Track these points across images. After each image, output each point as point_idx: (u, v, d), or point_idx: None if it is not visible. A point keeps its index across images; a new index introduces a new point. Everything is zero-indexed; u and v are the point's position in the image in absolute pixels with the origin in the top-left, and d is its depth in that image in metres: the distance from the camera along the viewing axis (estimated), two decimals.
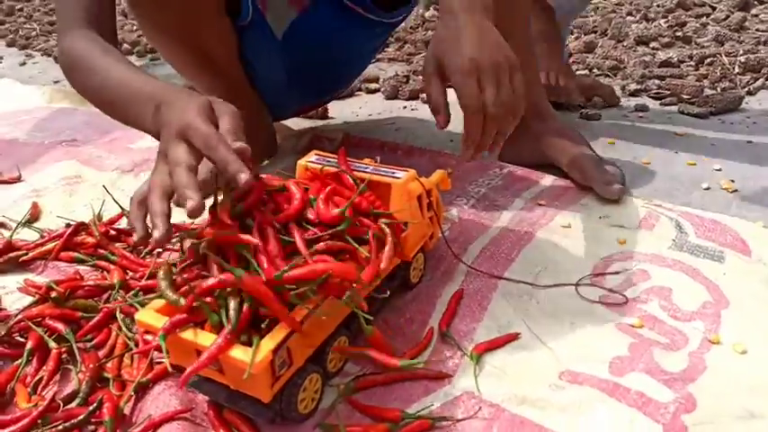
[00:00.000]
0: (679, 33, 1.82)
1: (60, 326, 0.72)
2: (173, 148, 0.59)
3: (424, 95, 0.71)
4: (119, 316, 0.74)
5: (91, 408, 0.60)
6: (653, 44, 1.77)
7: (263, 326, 0.56)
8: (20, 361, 0.69)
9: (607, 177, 0.95)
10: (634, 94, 1.46)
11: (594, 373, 0.64)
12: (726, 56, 1.58)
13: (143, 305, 0.62)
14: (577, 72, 1.62)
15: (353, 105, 1.54)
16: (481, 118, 0.69)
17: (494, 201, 0.98)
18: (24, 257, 0.90)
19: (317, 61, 1.14)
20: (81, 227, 0.94)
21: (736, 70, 1.51)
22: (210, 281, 0.55)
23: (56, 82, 1.91)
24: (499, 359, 0.67)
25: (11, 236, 0.96)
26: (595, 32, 1.93)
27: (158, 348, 0.57)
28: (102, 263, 0.87)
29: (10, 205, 1.10)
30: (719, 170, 1.06)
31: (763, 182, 1.01)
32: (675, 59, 1.61)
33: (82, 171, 1.21)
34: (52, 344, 0.70)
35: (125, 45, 2.28)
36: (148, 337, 0.69)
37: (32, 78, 1.99)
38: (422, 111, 1.45)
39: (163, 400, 0.64)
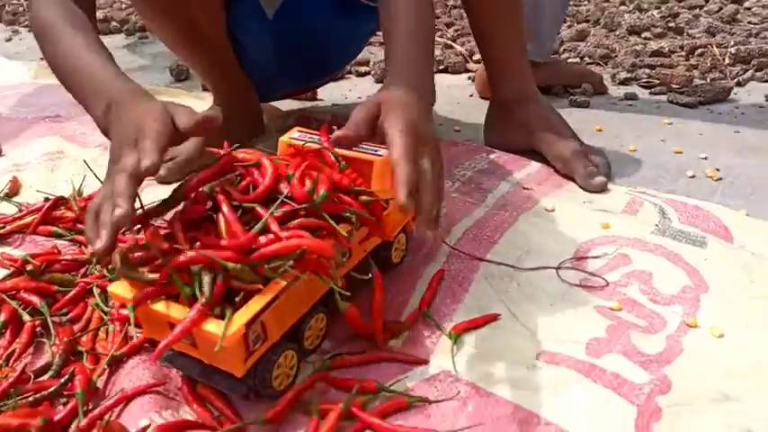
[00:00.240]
0: (671, 24, 1.82)
1: (35, 299, 0.72)
2: (124, 155, 0.57)
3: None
4: (95, 290, 0.73)
5: (62, 380, 0.59)
6: (645, 34, 1.76)
7: (236, 299, 0.55)
8: None
9: (589, 170, 0.95)
10: (624, 82, 1.46)
11: (571, 354, 0.64)
12: (717, 47, 1.58)
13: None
14: (568, 60, 1.62)
15: (343, 88, 1.53)
16: (414, 168, 0.59)
17: (479, 184, 0.98)
18: (1, 231, 0.88)
19: (308, 43, 1.12)
20: (60, 201, 0.93)
21: (727, 61, 1.51)
22: (183, 256, 0.54)
23: (42, 58, 1.88)
24: (477, 339, 0.67)
25: None
26: (588, 21, 1.92)
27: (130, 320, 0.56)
28: (81, 237, 0.86)
29: None
30: (705, 159, 1.06)
31: (747, 171, 1.02)
32: (666, 49, 1.61)
33: (64, 147, 1.20)
34: (26, 316, 0.70)
35: (113, 23, 2.25)
36: (124, 311, 0.68)
37: (19, 54, 1.97)
38: None
39: (136, 374, 0.63)
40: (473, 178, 1.00)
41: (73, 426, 0.57)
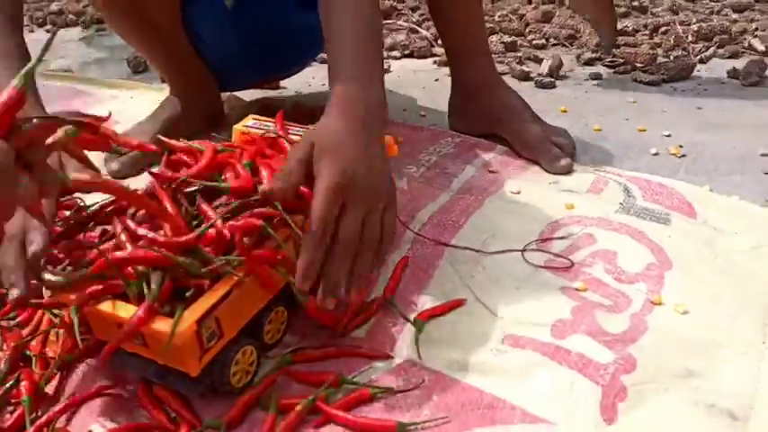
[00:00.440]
0: (635, 3, 1.82)
1: None
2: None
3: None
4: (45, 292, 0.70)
5: (6, 386, 0.57)
6: None
7: (187, 294, 0.53)
8: None
9: (554, 153, 0.95)
10: (589, 62, 1.45)
11: (536, 336, 0.63)
12: (679, 25, 1.58)
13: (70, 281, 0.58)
14: (533, 42, 1.61)
15: (306, 75, 1.49)
16: (322, 240, 0.57)
17: (444, 168, 0.96)
18: None
19: (271, 34, 1.09)
20: None
21: (690, 39, 1.52)
22: (121, 253, 0.52)
23: None
24: (442, 326, 0.66)
25: None
26: (553, 2, 1.91)
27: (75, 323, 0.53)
28: None
29: None
30: (669, 136, 1.06)
31: (710, 147, 1.02)
32: (631, 28, 1.61)
33: None
34: None
35: (70, 15, 2.18)
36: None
37: None
38: None
39: (89, 377, 0.61)
40: (438, 163, 0.98)
41: None
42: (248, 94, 1.33)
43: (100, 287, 0.52)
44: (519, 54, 1.52)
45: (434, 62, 1.53)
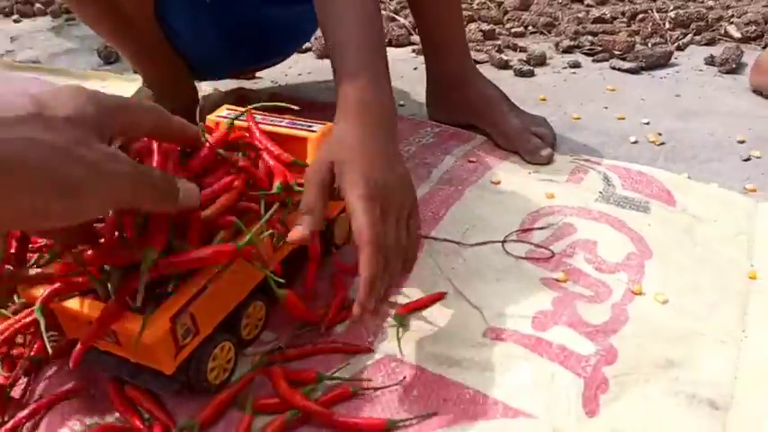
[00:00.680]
0: None
1: None
2: None
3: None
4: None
5: None
6: (587, 1, 1.75)
7: (157, 290, 0.51)
8: None
9: (534, 143, 0.94)
10: (567, 50, 1.45)
11: (517, 328, 0.62)
12: (657, 12, 1.59)
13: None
14: (513, 29, 1.60)
15: (283, 65, 1.46)
16: (380, 254, 0.53)
17: (424, 159, 0.95)
18: None
19: (249, 27, 1.06)
20: None
21: (667, 26, 1.52)
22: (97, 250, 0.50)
23: None
24: (423, 320, 0.65)
25: None
26: None
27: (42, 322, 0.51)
28: None
29: None
30: (647, 124, 1.06)
31: (689, 135, 1.02)
32: (609, 16, 1.61)
33: None
34: None
35: (38, 5, 2.11)
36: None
37: None
38: None
39: (59, 379, 0.59)
40: (417, 153, 0.97)
41: None
42: (223, 84, 1.30)
43: (62, 285, 0.50)
44: (498, 42, 1.51)
45: (413, 51, 1.52)
